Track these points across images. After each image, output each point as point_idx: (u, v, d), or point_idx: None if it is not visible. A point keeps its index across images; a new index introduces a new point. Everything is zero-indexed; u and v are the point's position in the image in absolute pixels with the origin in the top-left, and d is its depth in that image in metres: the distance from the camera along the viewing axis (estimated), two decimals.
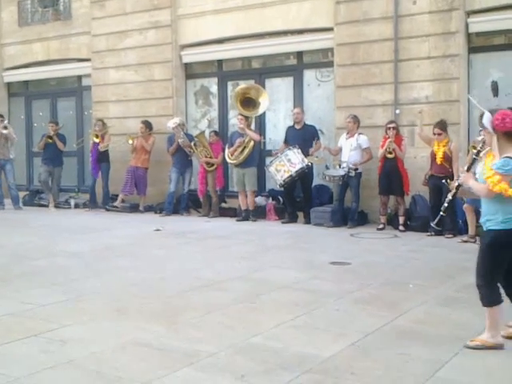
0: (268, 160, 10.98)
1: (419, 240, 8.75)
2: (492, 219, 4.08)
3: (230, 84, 12.60)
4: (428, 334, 4.45)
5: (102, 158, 12.74)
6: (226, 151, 11.06)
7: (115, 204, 12.37)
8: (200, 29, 12.44)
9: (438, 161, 8.97)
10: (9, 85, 15.76)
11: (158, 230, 9.74)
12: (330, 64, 11.16)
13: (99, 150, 12.63)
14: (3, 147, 12.96)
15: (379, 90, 10.42)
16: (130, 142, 12.28)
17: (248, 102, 10.98)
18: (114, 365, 3.82)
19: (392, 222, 9.79)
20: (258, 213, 10.93)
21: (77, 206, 13.31)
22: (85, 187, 13.82)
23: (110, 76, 13.42)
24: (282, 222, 10.56)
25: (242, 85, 11.49)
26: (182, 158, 11.85)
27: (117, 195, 12.88)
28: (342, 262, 7.04)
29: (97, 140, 12.60)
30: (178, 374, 3.68)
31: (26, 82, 15.67)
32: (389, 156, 9.57)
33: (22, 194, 13.69)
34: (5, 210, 12.84)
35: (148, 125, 12.35)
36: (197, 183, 12.03)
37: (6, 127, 12.98)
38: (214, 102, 12.79)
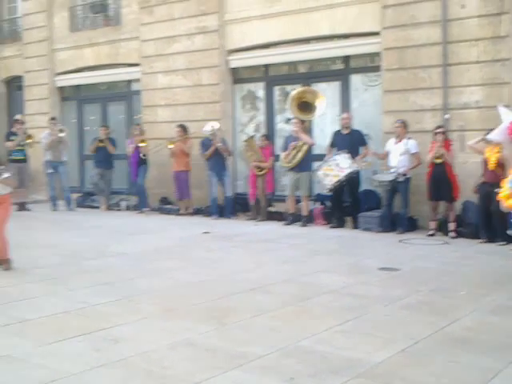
0: (316, 165, 10.95)
1: (470, 247, 8.60)
2: None
3: (276, 88, 12.63)
4: (480, 341, 4.38)
5: (142, 161, 12.92)
6: (282, 155, 11.06)
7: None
8: (247, 34, 12.52)
9: (491, 167, 8.72)
10: (61, 89, 16.12)
11: (206, 232, 9.83)
12: (377, 68, 11.08)
13: (142, 155, 12.74)
14: (57, 150, 13.27)
15: (428, 95, 10.30)
16: (170, 146, 12.39)
17: (304, 105, 10.93)
18: (164, 364, 3.88)
19: (442, 228, 9.63)
20: (307, 217, 10.89)
21: (128, 207, 13.53)
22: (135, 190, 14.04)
23: (159, 81, 13.61)
24: (330, 227, 10.52)
25: (299, 88, 11.42)
26: (219, 162, 11.90)
27: (166, 198, 13.06)
28: (391, 267, 6.98)
29: (143, 144, 12.75)
30: (228, 376, 3.71)
31: (77, 87, 16.00)
32: (437, 161, 9.44)
33: (74, 196, 13.99)
34: (58, 212, 13.14)
35: (184, 128, 12.46)
36: (247, 187, 12.08)
37: (62, 130, 13.31)
38: (261, 106, 12.84)
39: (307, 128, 11.10)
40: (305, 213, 10.82)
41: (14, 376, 3.65)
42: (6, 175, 6.79)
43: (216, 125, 11.86)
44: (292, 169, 10.85)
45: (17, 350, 4.07)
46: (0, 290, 5.84)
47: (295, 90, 11.32)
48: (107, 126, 13.94)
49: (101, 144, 13.43)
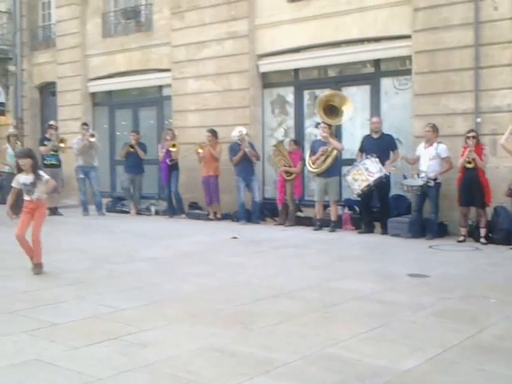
0: (345, 169, 10.89)
1: (501, 253, 8.46)
2: None
3: (306, 93, 12.62)
4: (509, 350, 4.29)
5: (173, 166, 13.00)
6: (307, 159, 11.01)
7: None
8: (276, 38, 12.53)
9: None
10: (93, 95, 16.34)
11: (234, 237, 9.85)
12: (408, 72, 10.99)
13: (171, 161, 12.81)
14: (88, 155, 13.44)
15: (459, 98, 10.18)
16: (200, 151, 12.45)
17: (330, 109, 10.87)
18: (190, 369, 3.88)
19: (473, 234, 9.50)
20: (336, 223, 10.82)
21: (157, 212, 13.62)
22: (165, 194, 14.12)
23: (189, 86, 13.70)
24: (359, 232, 10.45)
25: (326, 92, 11.39)
26: (247, 167, 11.92)
27: (195, 202, 13.12)
28: (420, 274, 6.90)
29: (174, 149, 12.83)
30: (253, 382, 3.70)
31: (109, 92, 16.21)
32: (469, 166, 9.31)
33: (105, 201, 14.15)
34: (89, 216, 13.30)
35: (214, 133, 12.51)
36: (275, 192, 12.08)
37: (93, 135, 13.48)
38: (291, 110, 12.83)
39: (333, 132, 11.04)
40: (334, 218, 10.77)
41: (42, 380, 3.70)
42: (46, 177, 6.93)
43: (244, 130, 11.88)
44: (320, 174, 10.81)
45: (45, 354, 4.12)
46: (30, 293, 5.92)
47: (323, 93, 11.29)
48: (137, 131, 14.07)
49: (131, 149, 13.57)
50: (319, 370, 3.88)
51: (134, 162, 13.61)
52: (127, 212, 13.80)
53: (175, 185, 13.02)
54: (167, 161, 12.87)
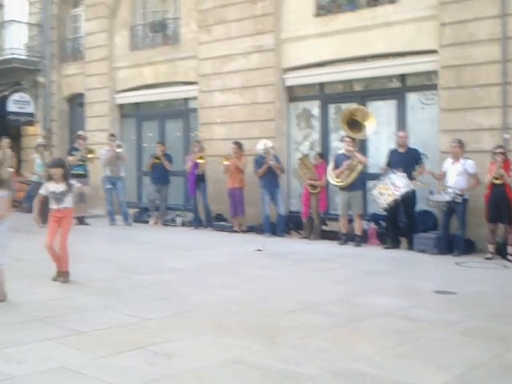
0: (371, 183, 10.85)
1: None
2: None
3: (331, 107, 12.62)
4: None
5: (200, 178, 13.06)
6: (329, 172, 11.00)
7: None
8: (302, 52, 12.58)
9: None
10: (121, 106, 16.52)
11: (259, 250, 9.85)
12: (434, 87, 10.95)
13: (198, 172, 12.88)
14: (115, 166, 13.57)
15: (486, 114, 10.10)
16: (226, 163, 12.51)
17: (354, 124, 10.87)
18: (215, 381, 3.90)
19: (501, 251, 9.37)
20: (361, 237, 10.78)
21: (183, 223, 13.68)
22: (190, 206, 14.18)
23: (215, 99, 13.79)
24: (384, 247, 10.38)
25: (350, 106, 11.41)
26: (272, 180, 11.94)
27: (220, 214, 13.16)
28: (447, 291, 6.83)
29: (201, 161, 12.90)
30: None
31: (136, 104, 16.38)
32: (496, 182, 9.21)
33: (131, 211, 14.26)
34: (115, 226, 13.41)
35: (240, 145, 12.57)
36: (300, 205, 12.08)
37: (120, 146, 13.62)
38: (316, 124, 12.84)
39: (356, 146, 11.01)
40: (358, 232, 10.72)
41: None
42: (75, 184, 7.05)
43: (269, 143, 11.92)
44: (344, 188, 10.79)
45: (71, 362, 4.15)
46: (57, 302, 5.99)
47: (347, 108, 11.30)
48: (163, 142, 14.16)
49: (157, 161, 13.67)
50: None
51: (160, 174, 13.70)
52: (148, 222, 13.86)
53: (205, 196, 13.08)
54: (195, 171, 12.94)
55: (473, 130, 10.20)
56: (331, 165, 11.05)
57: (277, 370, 4.12)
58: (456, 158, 9.79)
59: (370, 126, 10.81)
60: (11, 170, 12.66)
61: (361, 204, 10.93)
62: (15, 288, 6.56)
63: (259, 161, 11.97)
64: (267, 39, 12.93)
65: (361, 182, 10.95)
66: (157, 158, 13.69)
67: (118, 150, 13.47)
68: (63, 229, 6.95)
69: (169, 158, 13.78)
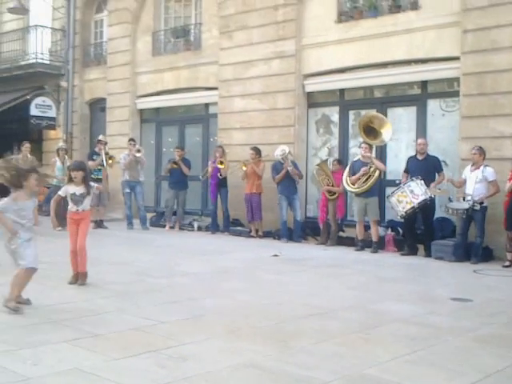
0: (389, 190, 10.80)
1: None
2: None
3: (351, 113, 12.60)
4: None
5: (222, 183, 13.10)
6: (345, 178, 10.96)
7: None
8: (323, 58, 12.59)
9: None
10: (141, 111, 16.64)
11: (275, 255, 9.85)
12: (456, 94, 10.89)
13: (220, 176, 12.94)
14: (135, 170, 13.67)
15: (507, 121, 10.02)
16: (244, 168, 12.55)
17: (370, 130, 10.86)
18: None
19: None
20: (377, 244, 10.74)
21: (200, 228, 13.71)
22: (208, 211, 14.24)
23: (235, 104, 13.83)
24: (401, 254, 10.33)
25: (368, 112, 11.40)
26: (289, 186, 11.94)
27: (237, 219, 13.18)
28: (463, 298, 6.76)
29: (222, 166, 12.93)
30: None
31: (156, 109, 16.50)
32: None
33: (149, 216, 14.33)
34: (133, 230, 13.49)
35: (258, 151, 12.59)
36: (317, 211, 12.06)
37: (139, 151, 13.72)
38: (335, 130, 12.83)
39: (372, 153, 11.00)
40: (375, 238, 10.67)
41: None
42: (93, 185, 7.19)
43: (286, 148, 11.93)
44: (360, 194, 10.75)
45: (85, 364, 4.18)
46: (73, 304, 6.03)
47: (365, 114, 11.27)
48: (182, 147, 14.22)
49: (175, 166, 13.72)
50: None
51: (178, 178, 13.75)
52: (171, 227, 13.88)
53: (225, 202, 13.10)
54: (218, 175, 12.96)
55: (494, 138, 10.12)
56: (346, 171, 11.02)
57: (289, 374, 4.11)
58: (476, 165, 9.71)
59: (386, 134, 10.76)
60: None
61: (377, 210, 10.88)
62: (32, 290, 6.63)
63: (277, 167, 11.98)
64: (288, 45, 12.96)
65: (376, 188, 10.91)
66: (174, 162, 13.74)
67: (138, 155, 13.56)
68: (81, 230, 7.02)
69: (187, 162, 13.83)
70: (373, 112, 11.45)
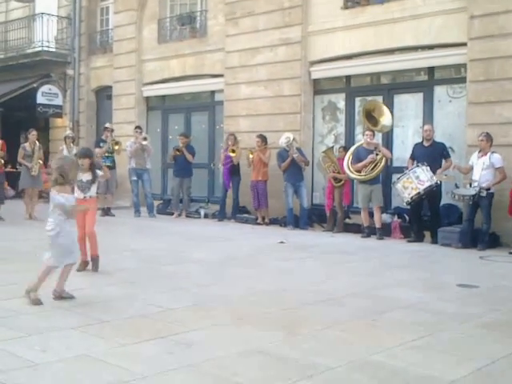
0: (395, 177, 10.80)
1: None
2: None
3: (357, 100, 12.56)
4: None
5: (234, 171, 13.09)
6: (348, 165, 10.93)
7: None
8: (329, 45, 12.53)
9: None
10: (147, 99, 16.64)
11: (281, 242, 9.87)
12: (463, 80, 10.84)
13: (233, 162, 12.93)
14: (141, 158, 13.69)
15: None
16: (251, 156, 12.55)
17: (370, 117, 10.90)
18: (234, 371, 3.91)
19: None
20: (383, 230, 10.74)
21: (206, 215, 13.74)
22: (214, 198, 14.26)
23: (241, 91, 13.81)
24: (408, 241, 10.33)
25: (372, 100, 11.38)
26: (295, 173, 11.93)
27: (243, 207, 13.20)
28: (470, 284, 6.78)
29: (233, 154, 12.93)
30: None
31: (163, 97, 16.49)
32: None
33: (156, 203, 14.37)
34: (140, 218, 13.53)
35: (264, 138, 12.58)
36: (324, 198, 12.06)
37: (145, 138, 13.73)
38: (341, 117, 12.80)
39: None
40: (378, 225, 10.69)
41: (89, 375, 3.79)
42: (100, 173, 7.18)
43: (291, 135, 11.91)
44: (365, 181, 10.74)
45: (93, 350, 4.21)
46: (82, 291, 6.06)
47: (366, 102, 11.25)
48: (186, 134, 14.20)
49: (178, 153, 13.72)
50: (363, 377, 3.86)
51: (182, 166, 13.75)
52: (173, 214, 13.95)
53: (236, 192, 13.10)
54: (229, 164, 12.93)
55: (501, 124, 10.08)
56: (348, 157, 10.97)
57: (296, 360, 4.14)
58: (483, 151, 9.68)
59: (385, 123, 10.81)
60: (40, 162, 12.83)
61: (381, 197, 10.91)
62: None
63: (282, 154, 11.97)
64: (294, 32, 12.91)
65: (381, 175, 10.91)
66: (177, 150, 13.74)
67: (144, 143, 13.58)
68: (89, 215, 7.06)
69: (191, 150, 13.82)
70: (377, 101, 11.41)
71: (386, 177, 11.39)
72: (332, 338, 4.68)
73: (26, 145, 12.97)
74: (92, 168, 7.09)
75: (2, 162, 12.48)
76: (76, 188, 7.05)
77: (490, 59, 10.21)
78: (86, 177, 7.04)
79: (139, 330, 4.75)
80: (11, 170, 15.48)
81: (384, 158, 10.71)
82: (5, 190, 13.34)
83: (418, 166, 10.05)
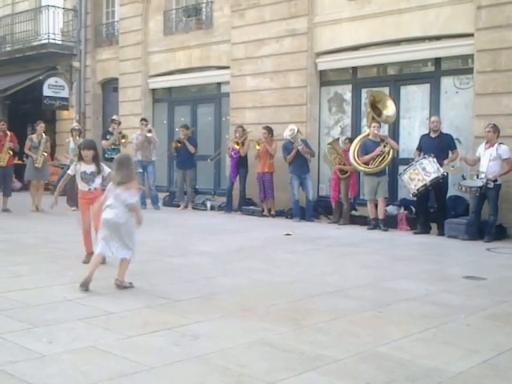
0: (402, 169, 10.77)
1: None
2: None
3: (364, 91, 12.51)
4: None
5: (241, 163, 13.08)
6: (355, 157, 10.90)
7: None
8: (335, 36, 12.48)
9: None
10: (153, 91, 16.63)
11: (288, 234, 9.87)
12: (470, 71, 10.78)
13: (240, 154, 12.91)
14: (147, 150, 13.70)
15: None
16: (258, 147, 12.54)
17: (374, 108, 10.89)
18: (240, 362, 3.92)
19: None
20: (390, 222, 10.73)
21: (212, 208, 13.74)
22: (220, 190, 14.27)
23: (247, 83, 13.78)
24: (414, 233, 10.32)
25: (374, 92, 11.39)
26: (301, 165, 11.92)
27: (249, 198, 13.20)
28: (476, 276, 6.77)
29: (237, 147, 12.91)
30: (303, 377, 3.71)
31: (169, 89, 16.48)
32: None
33: (162, 195, 14.38)
34: (146, 210, 13.51)
35: (270, 130, 12.56)
36: (330, 190, 12.05)
37: (150, 130, 13.74)
38: (348, 109, 12.76)
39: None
40: (381, 216, 10.70)
41: (96, 366, 3.80)
42: (107, 171, 7.15)
43: (295, 127, 11.89)
44: (372, 173, 10.72)
45: (100, 342, 4.23)
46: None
47: (371, 93, 11.24)
48: (187, 126, 14.17)
49: (179, 144, 13.71)
50: (369, 369, 3.86)
51: (184, 158, 13.76)
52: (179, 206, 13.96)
53: (243, 182, 13.09)
54: (235, 156, 12.91)
55: (508, 115, 10.04)
56: (354, 149, 10.93)
57: (302, 352, 4.14)
58: (490, 143, 9.64)
59: (388, 114, 10.83)
60: (44, 154, 12.86)
61: (386, 189, 10.90)
62: (47, 270, 6.73)
63: (287, 146, 11.96)
64: (300, 23, 12.86)
65: (388, 167, 10.91)
66: (178, 141, 13.73)
67: (149, 135, 13.58)
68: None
69: (193, 141, 13.81)
70: (384, 93, 11.38)
71: (393, 168, 11.36)
72: (338, 330, 4.68)
73: (34, 136, 13.01)
74: (96, 160, 7.08)
75: (11, 153, 12.51)
76: (80, 180, 7.07)
77: (498, 50, 10.14)
78: (89, 168, 7.03)
79: (146, 322, 4.76)
80: (18, 162, 15.52)
81: (392, 150, 10.70)
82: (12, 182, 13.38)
83: (424, 157, 10.02)
